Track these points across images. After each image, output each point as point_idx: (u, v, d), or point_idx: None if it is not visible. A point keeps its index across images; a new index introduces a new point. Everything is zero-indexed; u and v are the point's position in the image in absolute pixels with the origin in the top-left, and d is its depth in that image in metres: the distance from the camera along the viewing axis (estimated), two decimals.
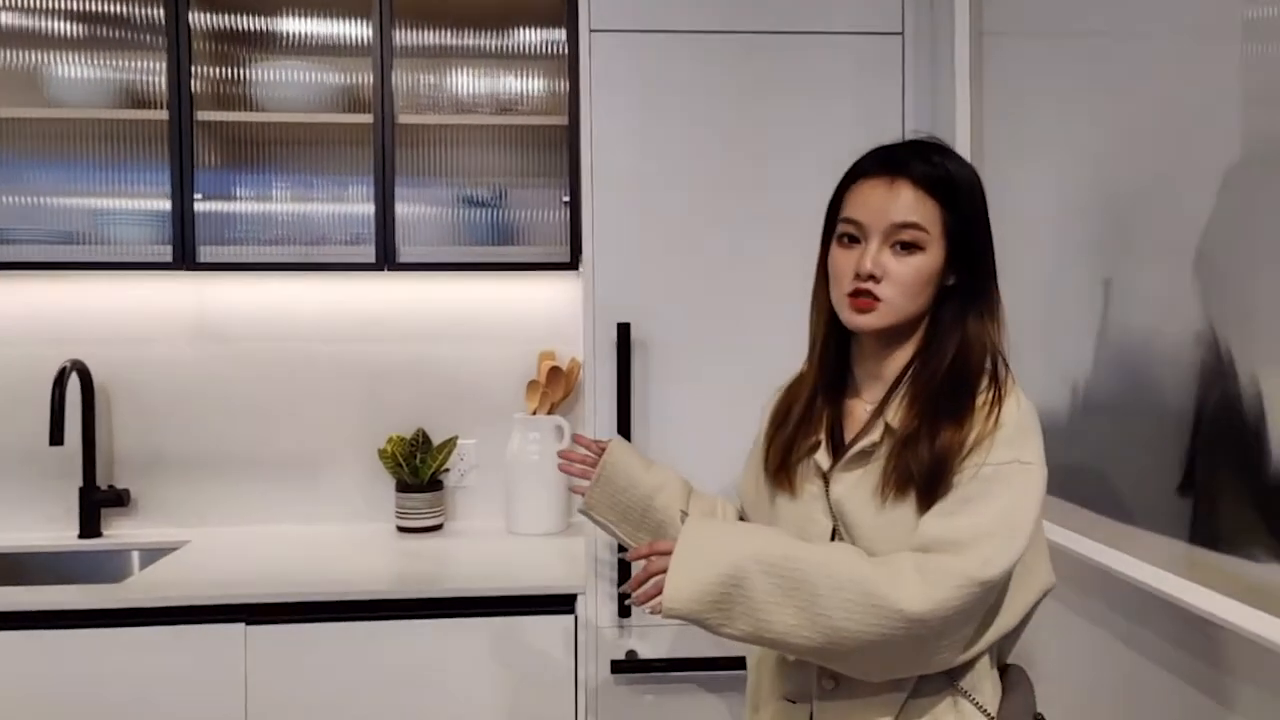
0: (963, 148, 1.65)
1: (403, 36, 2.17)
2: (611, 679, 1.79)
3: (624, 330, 1.79)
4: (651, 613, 1.09)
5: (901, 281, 1.11)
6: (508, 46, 2.25)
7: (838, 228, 1.16)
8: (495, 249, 2.18)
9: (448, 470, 2.33)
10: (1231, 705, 1.06)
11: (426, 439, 2.31)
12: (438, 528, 2.30)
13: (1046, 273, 1.43)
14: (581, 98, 1.81)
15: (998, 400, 1.08)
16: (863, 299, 1.12)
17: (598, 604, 1.81)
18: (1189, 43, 1.10)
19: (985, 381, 1.10)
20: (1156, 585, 1.11)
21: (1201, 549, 1.07)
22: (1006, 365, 1.13)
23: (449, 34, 2.24)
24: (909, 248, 1.11)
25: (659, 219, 1.80)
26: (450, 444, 2.31)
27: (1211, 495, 1.07)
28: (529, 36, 2.25)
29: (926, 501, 1.07)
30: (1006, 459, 1.05)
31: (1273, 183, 0.96)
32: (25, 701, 1.76)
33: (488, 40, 2.26)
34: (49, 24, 2.16)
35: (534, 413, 2.28)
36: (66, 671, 1.77)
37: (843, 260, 1.14)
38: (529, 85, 2.24)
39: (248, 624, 1.80)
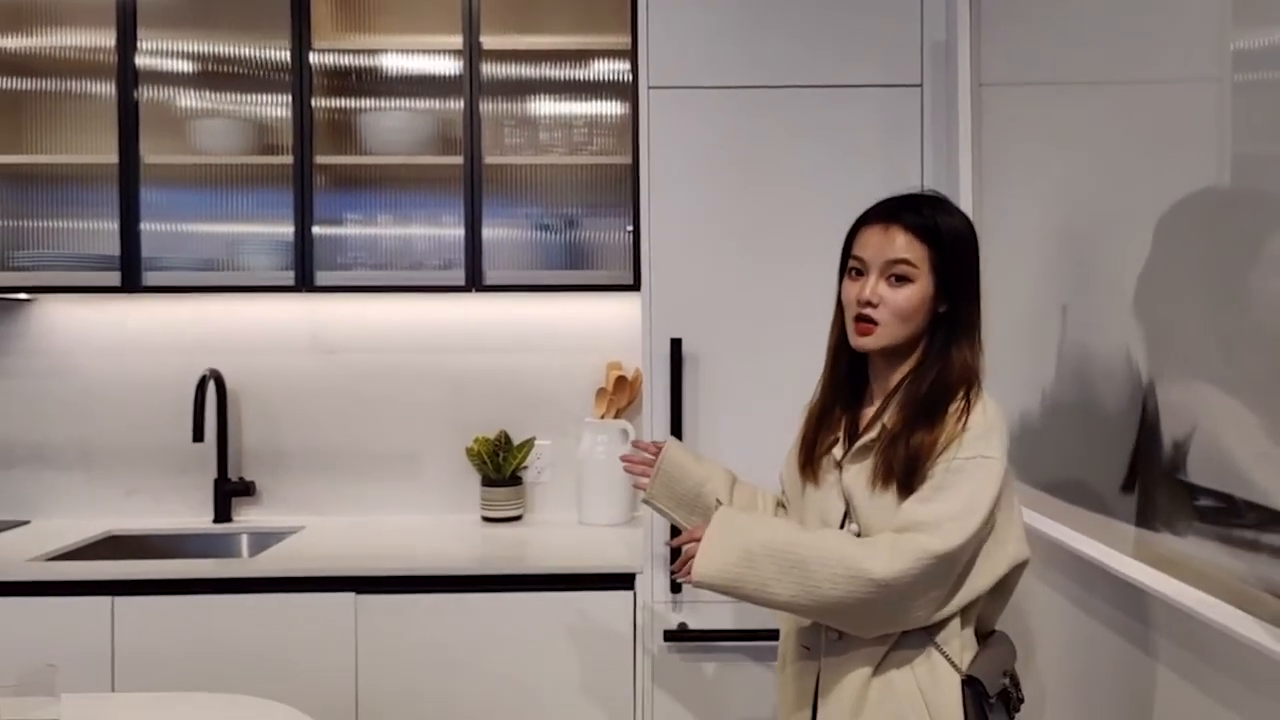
0: (965, 189, 1.89)
1: (491, 70, 2.48)
2: (665, 647, 2.07)
3: (676, 345, 2.06)
4: (684, 582, 1.40)
5: (895, 308, 1.38)
6: (580, 92, 2.56)
7: (848, 264, 1.44)
8: (568, 272, 2.48)
9: (526, 468, 2.64)
10: (1157, 656, 1.28)
11: (508, 439, 2.62)
12: (518, 518, 2.61)
13: (1027, 294, 1.66)
14: (640, 144, 2.09)
15: (966, 410, 1.33)
16: (864, 324, 1.40)
17: (653, 583, 2.08)
18: (1136, 98, 1.33)
19: (960, 395, 1.35)
20: (1102, 560, 1.34)
21: (1146, 531, 1.29)
22: (979, 381, 1.38)
23: (531, 88, 2.56)
24: (901, 280, 1.38)
25: (707, 249, 2.08)
26: (528, 444, 2.61)
27: (1146, 487, 1.29)
28: (600, 87, 2.55)
29: (905, 490, 1.33)
30: (972, 454, 1.30)
31: (1182, 229, 1.19)
32: (171, 653, 2.11)
33: (564, 88, 2.56)
34: (193, 82, 2.54)
35: (602, 417, 2.57)
36: (205, 631, 2.11)
37: (850, 290, 1.42)
38: (599, 129, 2.54)
39: (357, 594, 2.12)
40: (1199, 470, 1.15)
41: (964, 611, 1.36)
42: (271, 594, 2.13)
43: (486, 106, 2.47)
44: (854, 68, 2.08)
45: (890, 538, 1.29)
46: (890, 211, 1.40)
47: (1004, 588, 1.40)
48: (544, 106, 2.57)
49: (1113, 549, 1.34)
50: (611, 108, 2.55)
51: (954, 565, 1.29)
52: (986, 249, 1.45)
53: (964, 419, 1.32)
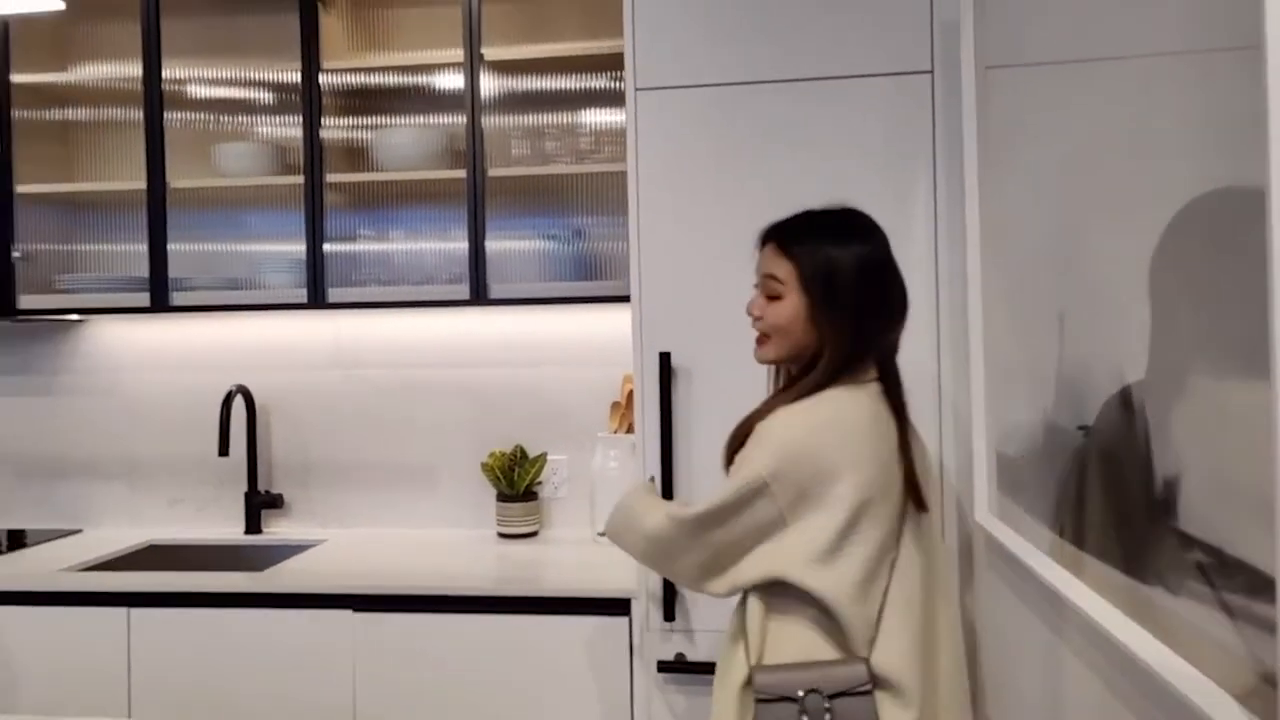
0: (971, 185, 1.72)
1: (490, 86, 2.45)
2: (661, 678, 1.98)
3: (665, 358, 1.98)
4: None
5: (771, 322, 1.44)
6: (587, 104, 2.50)
7: None
8: (575, 284, 2.43)
9: (541, 483, 2.60)
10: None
11: (523, 454, 2.59)
12: (533, 534, 2.57)
13: (1031, 297, 1.49)
14: (629, 150, 2.01)
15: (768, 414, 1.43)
16: (759, 337, 1.47)
17: (648, 610, 1.99)
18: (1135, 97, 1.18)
19: (796, 394, 1.43)
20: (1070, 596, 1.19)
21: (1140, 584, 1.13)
22: (817, 392, 1.42)
23: (533, 99, 2.52)
24: (773, 297, 1.42)
25: (698, 258, 1.97)
26: (542, 459, 2.58)
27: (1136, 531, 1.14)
28: (605, 95, 2.48)
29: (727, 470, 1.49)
30: (745, 456, 1.42)
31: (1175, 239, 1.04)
32: (185, 664, 2.17)
33: (569, 96, 2.51)
34: (214, 108, 2.62)
35: (615, 431, 2.51)
36: (215, 643, 2.16)
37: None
38: (606, 137, 2.48)
39: (354, 611, 2.13)
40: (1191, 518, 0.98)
41: (769, 606, 1.42)
42: (274, 609, 2.16)
43: (491, 119, 2.45)
44: (856, 56, 1.93)
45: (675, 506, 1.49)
46: (772, 228, 1.48)
47: (793, 603, 1.40)
48: (549, 116, 2.52)
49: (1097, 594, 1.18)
50: (616, 115, 2.49)
51: (690, 539, 1.44)
52: (995, 251, 1.34)
53: (774, 410, 1.41)
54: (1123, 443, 1.10)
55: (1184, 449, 0.97)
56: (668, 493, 1.97)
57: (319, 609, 2.14)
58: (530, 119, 2.53)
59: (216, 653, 2.16)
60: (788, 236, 1.44)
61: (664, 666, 1.98)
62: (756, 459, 1.39)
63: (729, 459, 1.47)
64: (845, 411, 1.39)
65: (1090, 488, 1.21)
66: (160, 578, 2.27)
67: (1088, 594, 1.17)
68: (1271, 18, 0.70)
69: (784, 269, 1.42)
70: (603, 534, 1.65)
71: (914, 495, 1.43)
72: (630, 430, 2.51)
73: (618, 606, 2.06)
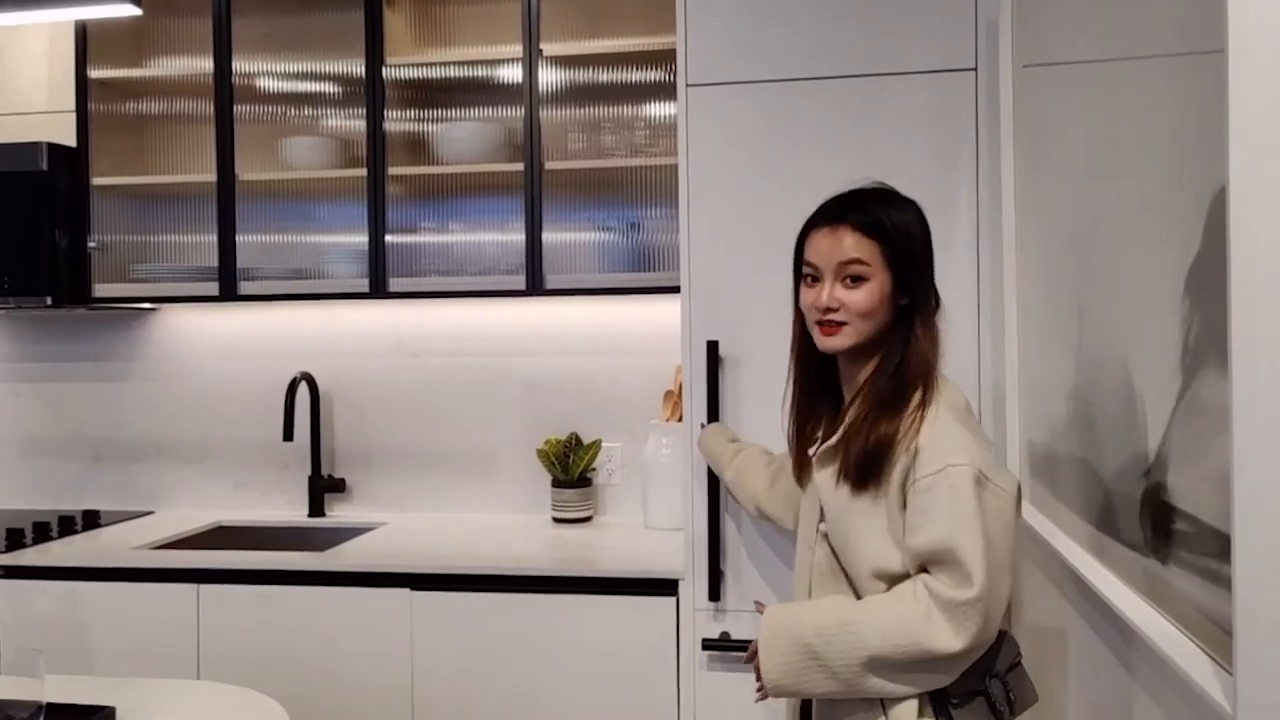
0: (1008, 181, 1.74)
1: (548, 79, 2.49)
2: (705, 656, 2.02)
3: (713, 347, 2.01)
4: (763, 698, 1.44)
5: (855, 309, 1.35)
6: (639, 94, 2.53)
7: (801, 270, 1.42)
8: (629, 274, 2.47)
9: (595, 469, 2.64)
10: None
11: (578, 441, 2.64)
12: (588, 519, 2.62)
13: (1055, 291, 1.50)
14: (680, 144, 2.05)
15: (923, 405, 1.34)
16: (828, 327, 1.37)
17: (694, 589, 2.03)
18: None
19: (919, 390, 1.35)
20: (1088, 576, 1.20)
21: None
22: (935, 372, 1.37)
23: (591, 93, 2.56)
24: (858, 280, 1.34)
25: (748, 249, 2.01)
26: (596, 446, 2.62)
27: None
28: (660, 89, 2.52)
29: (863, 486, 1.32)
30: (936, 468, 1.28)
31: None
32: (249, 639, 2.25)
33: (626, 90, 2.54)
34: (282, 101, 2.70)
35: (668, 419, 2.54)
36: (279, 618, 2.24)
37: (807, 297, 1.41)
38: (662, 130, 2.52)
39: (412, 589, 2.19)
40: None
41: None
42: (335, 587, 2.23)
43: (548, 112, 2.50)
44: (902, 53, 1.95)
45: (928, 603, 1.26)
46: (835, 212, 1.40)
47: None
48: (605, 110, 2.56)
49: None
50: (671, 109, 2.51)
51: (996, 589, 1.27)
52: (1029, 244, 1.38)
53: (920, 414, 1.33)
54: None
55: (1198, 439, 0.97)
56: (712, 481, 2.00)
57: (377, 587, 2.21)
58: (587, 112, 2.58)
59: (280, 628, 2.24)
60: (865, 219, 1.37)
61: (709, 645, 2.01)
62: (949, 458, 1.28)
63: (856, 477, 1.34)
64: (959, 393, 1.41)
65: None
66: (227, 555, 2.36)
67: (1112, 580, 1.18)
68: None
69: (867, 250, 1.36)
70: (771, 693, 1.40)
71: None
72: (683, 419, 2.54)
73: (666, 587, 2.10)
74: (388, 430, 2.80)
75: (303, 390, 2.74)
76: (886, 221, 1.36)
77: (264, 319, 2.86)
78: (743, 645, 1.97)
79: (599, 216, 2.55)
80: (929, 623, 1.25)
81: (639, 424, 2.63)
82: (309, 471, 2.79)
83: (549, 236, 2.48)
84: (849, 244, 1.36)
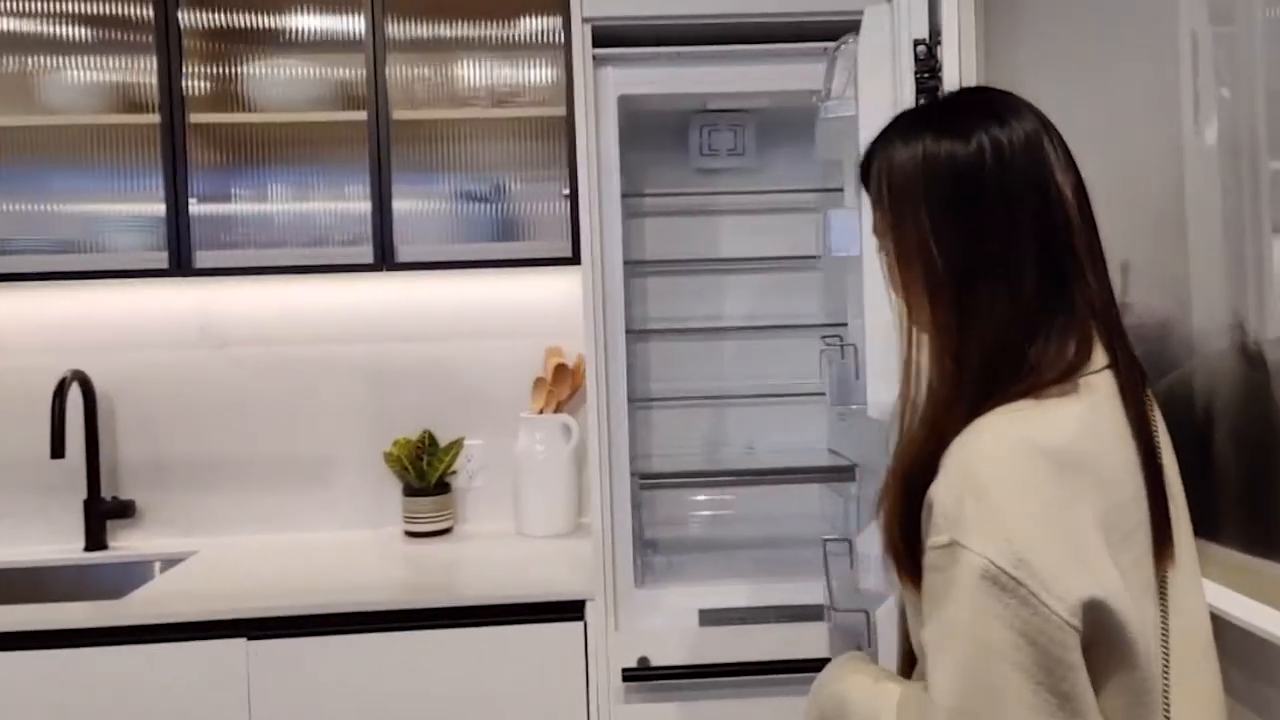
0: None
1: (396, 29, 2.11)
2: (624, 688, 1.74)
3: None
4: None
5: (890, 284, 1.01)
6: (505, 38, 2.18)
7: None
8: (496, 245, 2.13)
9: (455, 472, 2.29)
10: None
11: (433, 441, 2.27)
12: (447, 531, 2.26)
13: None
14: (576, 88, 1.74)
15: (935, 434, 0.91)
16: None
17: (607, 610, 1.75)
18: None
19: (935, 408, 0.93)
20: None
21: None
22: (985, 383, 0.90)
23: (444, 26, 2.18)
24: (883, 249, 1.01)
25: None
26: (457, 445, 2.26)
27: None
28: (527, 26, 2.18)
29: (905, 570, 0.93)
30: (942, 541, 0.84)
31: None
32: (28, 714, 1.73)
33: (484, 31, 2.18)
34: (40, 28, 2.12)
35: (540, 411, 2.22)
36: (65, 691, 1.73)
37: None
38: (528, 76, 2.18)
39: (249, 639, 1.76)
40: None
41: None
42: (146, 645, 1.75)
43: (395, 40, 2.09)
44: None
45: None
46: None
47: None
48: (464, 50, 2.18)
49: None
50: (545, 48, 2.18)
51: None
52: None
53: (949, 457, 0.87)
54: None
55: None
56: None
57: (199, 639, 1.75)
58: (441, 54, 2.19)
59: (73, 699, 1.73)
60: (863, 167, 1.04)
61: (629, 675, 1.73)
62: (955, 534, 0.86)
63: (902, 560, 0.95)
64: None
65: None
66: None
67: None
68: None
69: (872, 210, 1.03)
70: None
71: None
72: (559, 409, 2.24)
73: (569, 610, 1.79)
74: (190, 439, 2.29)
75: (74, 393, 2.19)
76: (874, 169, 0.98)
77: (19, 304, 2.26)
78: (672, 671, 1.72)
79: (455, 179, 2.17)
80: None
81: (506, 418, 2.29)
82: (83, 494, 2.24)
83: (400, 203, 2.09)
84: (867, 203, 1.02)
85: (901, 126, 0.98)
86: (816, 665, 1.66)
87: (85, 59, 2.11)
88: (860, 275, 1.23)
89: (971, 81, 1.21)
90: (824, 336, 1.80)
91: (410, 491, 2.24)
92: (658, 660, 1.73)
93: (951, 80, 1.19)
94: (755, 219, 2.18)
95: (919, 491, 0.88)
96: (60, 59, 2.11)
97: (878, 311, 1.22)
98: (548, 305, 2.29)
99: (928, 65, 1.20)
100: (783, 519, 2.18)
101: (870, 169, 0.99)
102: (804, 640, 1.72)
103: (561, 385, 2.23)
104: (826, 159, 1.73)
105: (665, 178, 2.17)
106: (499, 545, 2.16)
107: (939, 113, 0.99)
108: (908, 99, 1.21)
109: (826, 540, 1.64)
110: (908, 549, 0.90)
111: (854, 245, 1.24)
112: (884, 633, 1.23)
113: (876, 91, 1.22)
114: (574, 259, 2.04)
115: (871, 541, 1.62)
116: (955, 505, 0.83)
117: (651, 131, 2.10)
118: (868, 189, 1.01)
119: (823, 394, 2.15)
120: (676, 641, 1.73)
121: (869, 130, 1.23)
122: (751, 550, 2.07)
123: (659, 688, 1.73)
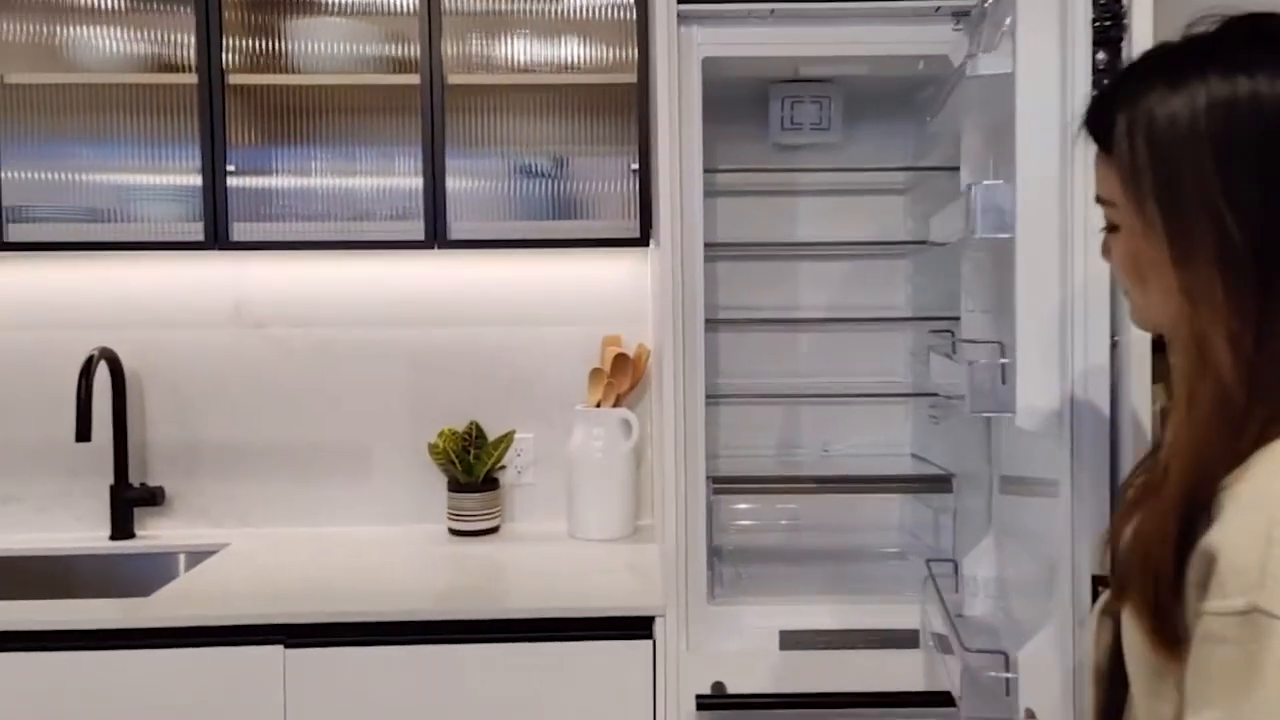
0: None
1: None
2: (696, 717, 1.58)
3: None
4: None
5: (1120, 273, 0.85)
6: (567, 10, 2.00)
7: None
8: (555, 224, 1.96)
9: (504, 467, 2.13)
10: None
11: (481, 433, 2.11)
12: (494, 530, 2.10)
13: None
14: (656, 49, 1.57)
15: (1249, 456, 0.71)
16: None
17: (679, 627, 1.59)
18: None
19: (1242, 428, 0.72)
20: None
21: None
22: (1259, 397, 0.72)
23: None
24: (1112, 229, 0.84)
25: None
26: (507, 439, 2.11)
27: None
28: None
29: (1156, 637, 0.75)
30: (1237, 606, 0.67)
31: None
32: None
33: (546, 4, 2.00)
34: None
35: (598, 405, 2.06)
36: (86, 697, 1.60)
37: None
38: (594, 40, 2.00)
39: (286, 646, 1.61)
40: None
41: None
42: (173, 649, 1.61)
43: (451, 17, 1.93)
44: None
45: None
46: (1089, 107, 0.85)
47: None
48: (526, 11, 2.01)
49: None
50: (608, 22, 2.00)
51: None
52: None
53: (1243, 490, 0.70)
54: None
55: None
56: None
57: (236, 643, 1.61)
58: (498, 26, 2.02)
59: (90, 712, 1.60)
60: (1096, 119, 0.84)
61: (704, 703, 1.57)
62: (1259, 601, 0.67)
63: (1151, 625, 0.77)
64: None
65: None
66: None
67: None
68: None
69: (1105, 176, 0.84)
70: None
71: None
72: (618, 403, 2.08)
73: (636, 626, 1.63)
74: (223, 423, 2.15)
75: (102, 372, 2.05)
76: (1125, 122, 0.78)
77: (43, 276, 2.12)
78: (750, 701, 1.56)
79: (513, 152, 2.00)
80: None
81: (560, 411, 2.13)
82: (110, 480, 2.10)
83: (454, 177, 1.92)
84: (1097, 170, 0.84)
85: (1163, 65, 0.79)
86: (911, 699, 1.53)
87: (118, 17, 1.96)
88: (1012, 259, 1.06)
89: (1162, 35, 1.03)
90: (933, 330, 1.62)
91: (455, 486, 2.09)
92: (734, 686, 1.57)
93: (1143, 33, 1.01)
94: (837, 200, 2.01)
95: (1191, 533, 0.70)
96: (91, 18, 1.96)
97: (1036, 303, 1.05)
98: (607, 290, 2.13)
99: (1110, 10, 1.02)
100: (858, 529, 2.02)
101: (1112, 120, 0.80)
102: (896, 669, 1.55)
103: (621, 377, 2.07)
104: (941, 130, 1.55)
105: (739, 153, 2.00)
106: (551, 548, 2.00)
107: (1222, 47, 0.77)
108: (1082, 54, 1.03)
109: (930, 561, 1.47)
110: (1160, 602, 0.73)
111: (1008, 226, 1.06)
112: (1027, 680, 1.06)
113: (1039, 45, 1.04)
114: (641, 240, 1.89)
115: (979, 563, 1.46)
116: (1256, 560, 0.66)
117: (726, 103, 1.91)
118: (1105, 145, 0.82)
119: (908, 394, 1.99)
120: (755, 666, 1.57)
121: (1028, 89, 1.07)
122: (826, 563, 1.90)
123: (736, 718, 1.57)
